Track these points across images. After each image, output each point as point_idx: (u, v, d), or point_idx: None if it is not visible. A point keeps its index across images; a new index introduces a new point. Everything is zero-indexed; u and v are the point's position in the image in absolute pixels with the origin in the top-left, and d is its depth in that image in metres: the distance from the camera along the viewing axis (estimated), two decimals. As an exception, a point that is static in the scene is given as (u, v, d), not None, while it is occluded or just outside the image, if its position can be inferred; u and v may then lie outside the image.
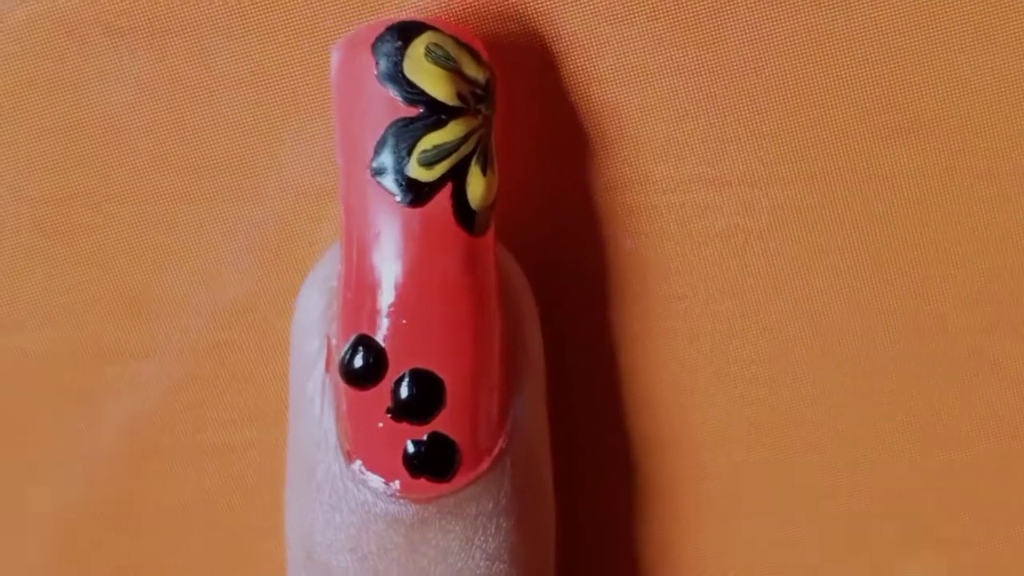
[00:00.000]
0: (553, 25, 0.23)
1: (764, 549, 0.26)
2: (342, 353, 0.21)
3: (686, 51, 0.23)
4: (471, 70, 0.20)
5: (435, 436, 0.21)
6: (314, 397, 0.22)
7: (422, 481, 0.21)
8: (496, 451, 0.21)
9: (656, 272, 0.25)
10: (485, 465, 0.21)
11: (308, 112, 0.23)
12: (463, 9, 0.22)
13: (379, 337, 0.20)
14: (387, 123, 0.20)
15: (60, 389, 0.25)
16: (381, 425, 0.21)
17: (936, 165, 0.24)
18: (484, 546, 0.22)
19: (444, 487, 0.21)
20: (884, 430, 0.26)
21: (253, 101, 0.23)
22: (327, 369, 0.22)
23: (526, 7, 0.23)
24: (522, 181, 0.23)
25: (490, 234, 0.21)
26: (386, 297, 0.20)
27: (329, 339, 0.22)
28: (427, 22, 0.20)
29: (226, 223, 0.24)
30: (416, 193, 0.20)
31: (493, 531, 0.22)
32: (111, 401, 0.25)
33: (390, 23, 0.20)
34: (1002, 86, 0.23)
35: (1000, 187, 0.24)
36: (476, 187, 0.20)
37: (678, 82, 0.23)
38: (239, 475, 0.26)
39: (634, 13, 0.23)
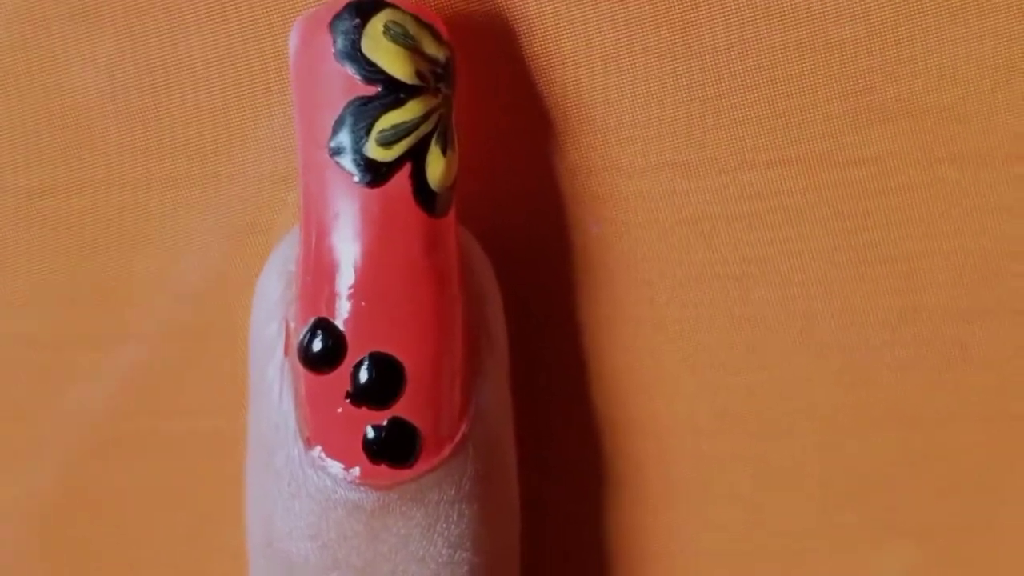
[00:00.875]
0: (516, 4, 0.22)
1: (733, 535, 0.26)
2: (300, 337, 0.20)
3: (653, 32, 0.23)
4: (431, 48, 0.20)
5: (395, 421, 0.20)
6: (273, 382, 0.21)
7: (382, 467, 0.21)
8: (458, 437, 0.21)
9: (622, 258, 0.24)
10: (447, 451, 0.21)
11: (275, 96, 0.23)
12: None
13: (338, 320, 0.20)
14: (345, 102, 0.20)
15: (27, 375, 0.25)
16: (340, 410, 0.21)
17: (911, 152, 0.23)
18: (446, 533, 0.21)
19: (405, 473, 0.21)
20: (856, 418, 0.26)
21: (221, 85, 0.23)
22: (286, 353, 0.21)
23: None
24: (485, 164, 0.23)
25: (451, 216, 0.21)
26: (345, 279, 0.20)
27: (288, 323, 0.21)
28: (386, 0, 0.20)
29: (193, 208, 0.24)
30: (375, 173, 0.20)
31: (456, 518, 0.21)
32: (77, 387, 0.25)
33: (349, 1, 0.20)
34: (982, 72, 0.23)
35: (976, 174, 0.24)
36: (436, 167, 0.20)
37: (644, 64, 0.23)
38: (203, 462, 0.25)
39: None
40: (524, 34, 0.23)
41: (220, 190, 0.24)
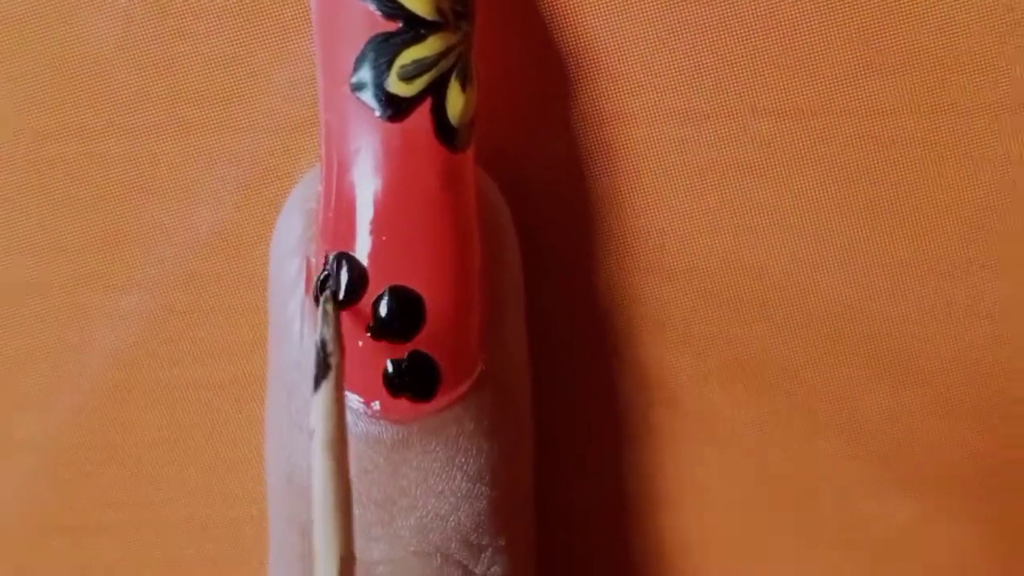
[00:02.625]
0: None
1: (741, 484, 0.26)
2: (322, 272, 0.21)
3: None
4: (451, -15, 0.20)
5: (416, 355, 0.21)
6: (294, 320, 0.22)
7: (402, 401, 0.21)
8: (477, 371, 0.21)
9: (632, 207, 0.25)
10: (466, 385, 0.21)
11: (290, 43, 0.23)
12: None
13: (359, 255, 0.20)
14: (366, 38, 0.20)
15: (39, 320, 0.25)
16: (361, 344, 0.21)
17: (918, 102, 0.24)
18: (465, 467, 0.22)
19: (425, 407, 0.21)
20: (862, 369, 0.26)
21: (235, 32, 0.23)
22: (307, 291, 0.21)
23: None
24: (500, 107, 0.23)
25: (470, 152, 0.21)
26: (365, 214, 0.20)
27: (309, 260, 0.21)
28: None
29: (206, 155, 0.24)
30: (395, 108, 0.20)
31: (474, 452, 0.22)
32: (93, 333, 0.25)
33: None
34: (988, 23, 0.23)
35: (983, 123, 0.24)
36: (455, 103, 0.20)
37: (654, 13, 0.23)
38: (216, 409, 0.25)
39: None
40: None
41: (233, 138, 0.24)
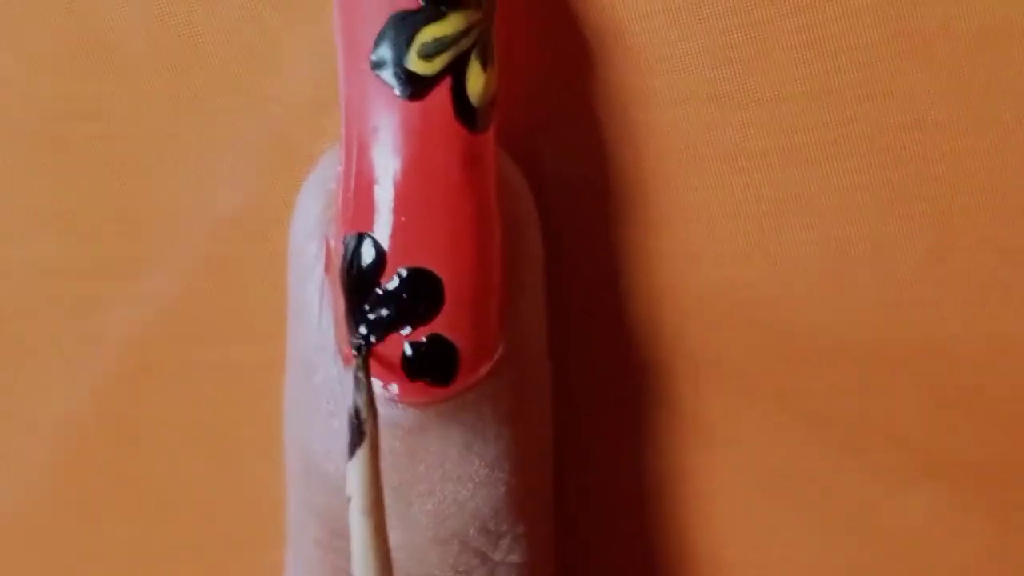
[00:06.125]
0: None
1: (765, 473, 0.26)
2: (341, 253, 0.20)
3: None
4: (472, -38, 0.20)
5: (434, 338, 0.20)
6: (312, 301, 0.21)
7: (420, 385, 0.21)
8: (496, 355, 0.21)
9: (657, 190, 0.24)
10: (485, 369, 0.21)
11: (310, 21, 0.23)
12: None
13: (378, 235, 0.20)
14: (387, 15, 0.20)
15: (55, 301, 0.25)
16: None
17: (947, 86, 0.23)
18: (483, 453, 0.22)
19: (443, 391, 0.21)
20: (887, 356, 0.25)
21: (256, 10, 0.23)
22: (326, 271, 0.21)
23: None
24: (522, 88, 0.23)
25: (490, 133, 0.21)
26: (385, 193, 0.20)
27: (328, 241, 0.21)
28: None
29: (224, 134, 0.24)
30: (415, 86, 0.20)
31: (492, 438, 0.22)
32: (112, 314, 0.25)
33: None
34: (1019, 4, 0.23)
35: (1013, 107, 0.24)
36: (476, 82, 0.20)
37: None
38: (235, 392, 0.26)
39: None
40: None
41: (254, 116, 0.24)
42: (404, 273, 0.20)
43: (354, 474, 0.19)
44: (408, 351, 0.20)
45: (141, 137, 0.24)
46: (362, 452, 0.19)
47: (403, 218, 0.20)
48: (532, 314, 0.22)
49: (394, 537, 0.21)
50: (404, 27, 0.20)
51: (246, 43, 0.23)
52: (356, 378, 0.19)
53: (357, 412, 0.19)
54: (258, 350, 0.25)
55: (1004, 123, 0.24)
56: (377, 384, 0.21)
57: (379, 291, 0.20)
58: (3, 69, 0.23)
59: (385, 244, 0.20)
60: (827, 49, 0.23)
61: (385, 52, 0.20)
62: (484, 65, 0.20)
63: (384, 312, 0.20)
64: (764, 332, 0.25)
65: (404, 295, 0.20)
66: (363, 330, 0.20)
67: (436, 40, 0.20)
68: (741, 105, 0.24)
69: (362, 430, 0.19)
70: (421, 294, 0.20)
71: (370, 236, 0.20)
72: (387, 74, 0.20)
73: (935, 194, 0.24)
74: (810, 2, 0.23)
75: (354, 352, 0.20)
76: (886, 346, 0.25)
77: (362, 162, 0.20)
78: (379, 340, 0.20)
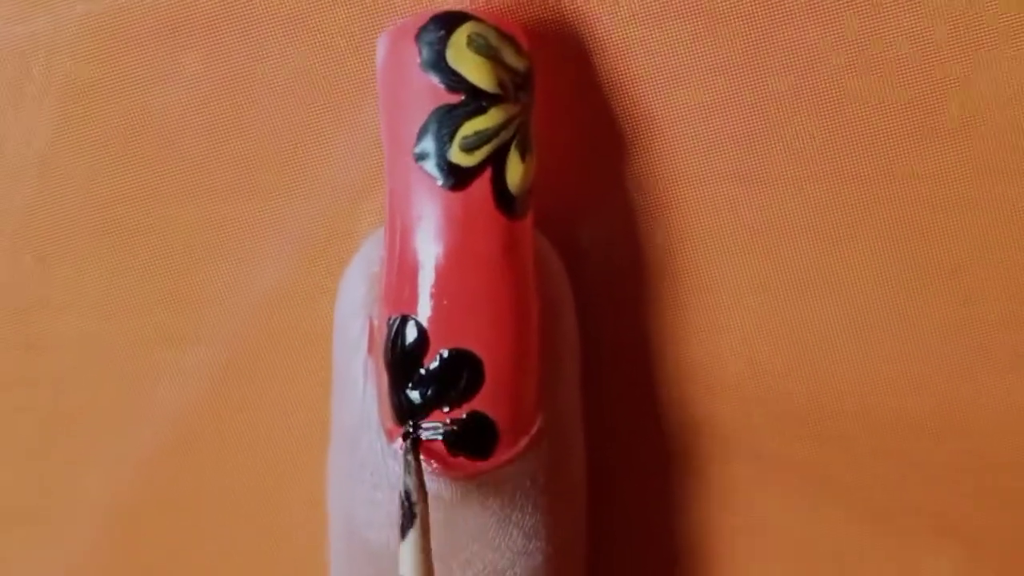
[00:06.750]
0: (587, 24, 0.23)
1: (790, 534, 0.27)
2: (385, 334, 0.21)
3: (716, 51, 0.23)
4: (511, 59, 0.21)
5: (474, 415, 0.21)
6: (357, 377, 0.22)
7: (461, 459, 0.21)
8: (534, 430, 0.22)
9: (685, 265, 0.25)
10: (523, 444, 0.22)
11: (353, 110, 0.24)
12: (503, 3, 0.23)
13: (420, 318, 0.21)
14: (430, 110, 0.20)
15: (110, 376, 0.26)
16: None
17: (967, 168, 0.24)
18: (522, 523, 0.22)
19: (482, 465, 0.21)
20: (911, 426, 0.26)
21: (301, 99, 0.24)
22: (370, 350, 0.22)
23: (562, 8, 0.23)
24: (557, 173, 0.24)
25: (528, 218, 0.21)
26: (427, 278, 0.21)
27: (372, 321, 0.22)
28: (470, 12, 0.21)
29: (270, 219, 0.25)
30: (457, 177, 0.20)
31: (531, 509, 0.22)
32: (159, 388, 0.26)
33: (434, 13, 0.21)
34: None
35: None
36: (515, 172, 0.21)
37: (708, 81, 0.24)
38: (277, 464, 0.26)
39: (663, 14, 0.23)
40: (596, 52, 0.23)
41: (297, 202, 0.24)
42: (446, 354, 0.21)
43: (407, 554, 0.20)
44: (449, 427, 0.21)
45: (191, 221, 0.25)
46: (413, 533, 0.20)
47: (445, 301, 0.21)
48: (568, 389, 0.23)
49: (436, 604, 0.22)
50: (447, 121, 0.20)
51: (291, 134, 0.24)
52: (406, 462, 0.20)
53: (408, 495, 0.20)
54: (297, 423, 0.26)
55: (1019, 201, 0.24)
56: (419, 459, 0.22)
57: (422, 371, 0.21)
58: (64, 159, 0.24)
59: (427, 325, 0.21)
60: (847, 134, 0.24)
61: (428, 145, 0.21)
62: (523, 155, 0.21)
63: (427, 391, 0.21)
64: (790, 401, 0.26)
65: (446, 375, 0.21)
66: (411, 416, 0.21)
67: (477, 133, 0.21)
68: (765, 185, 0.24)
69: (413, 512, 0.20)
70: (462, 374, 0.21)
71: (413, 318, 0.21)
72: (430, 165, 0.21)
73: (955, 269, 0.25)
74: (829, 92, 0.23)
75: (403, 437, 0.20)
76: (907, 415, 0.26)
77: (405, 248, 0.21)
78: (423, 418, 0.21)
